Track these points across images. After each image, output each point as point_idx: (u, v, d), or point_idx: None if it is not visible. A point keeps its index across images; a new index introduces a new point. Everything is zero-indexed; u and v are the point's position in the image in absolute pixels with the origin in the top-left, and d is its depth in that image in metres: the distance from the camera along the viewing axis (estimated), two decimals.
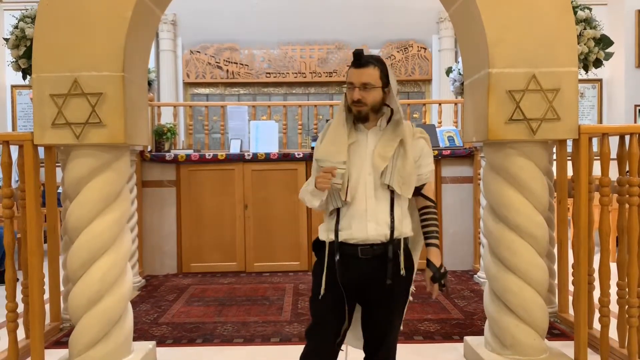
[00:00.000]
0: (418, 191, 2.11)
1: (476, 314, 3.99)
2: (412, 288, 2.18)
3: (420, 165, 2.10)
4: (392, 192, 2.01)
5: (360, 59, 2.01)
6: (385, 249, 1.99)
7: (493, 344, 2.92)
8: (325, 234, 2.06)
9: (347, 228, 2.00)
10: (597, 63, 3.79)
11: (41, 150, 2.93)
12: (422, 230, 2.13)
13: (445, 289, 2.08)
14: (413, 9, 8.85)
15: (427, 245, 2.10)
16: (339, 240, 2.00)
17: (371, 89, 2.00)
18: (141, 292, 4.82)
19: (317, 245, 2.11)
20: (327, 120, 2.18)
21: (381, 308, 2.04)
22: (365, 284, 2.03)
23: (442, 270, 2.05)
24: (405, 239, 2.06)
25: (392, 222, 2.00)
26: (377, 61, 2.04)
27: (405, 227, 2.05)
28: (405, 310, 2.18)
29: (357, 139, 2.06)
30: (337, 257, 2.00)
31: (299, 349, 2.10)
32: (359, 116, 2.04)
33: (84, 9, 2.72)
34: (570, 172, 3.11)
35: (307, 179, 2.20)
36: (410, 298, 2.18)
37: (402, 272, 2.00)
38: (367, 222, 1.99)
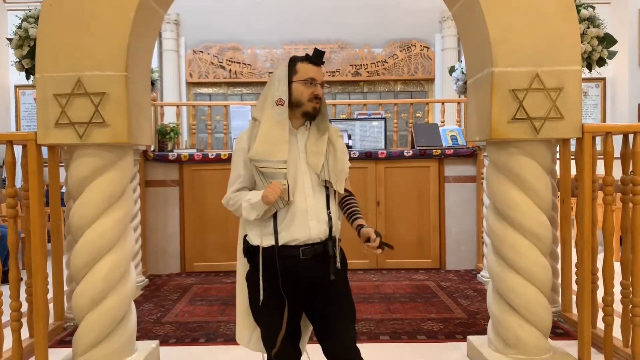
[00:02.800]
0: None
1: (479, 314, 3.99)
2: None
3: (344, 162, 2.13)
4: (327, 189, 2.03)
5: (321, 58, 2.05)
6: (325, 247, 2.00)
7: (496, 344, 2.92)
8: (259, 238, 2.01)
9: (288, 229, 1.97)
10: (601, 62, 3.77)
11: (45, 150, 2.93)
12: (346, 214, 2.12)
13: (387, 246, 1.98)
14: (416, 8, 8.84)
15: (356, 220, 2.07)
16: (280, 243, 1.97)
17: (322, 87, 2.07)
18: (144, 292, 4.83)
19: (251, 251, 2.05)
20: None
21: (332, 304, 2.02)
22: (309, 285, 2.01)
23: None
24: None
25: (330, 218, 2.02)
26: None
27: (339, 223, 2.09)
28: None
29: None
30: (278, 263, 1.96)
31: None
32: (314, 112, 2.05)
33: (87, 9, 2.73)
34: (573, 171, 3.10)
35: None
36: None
37: (338, 265, 2.01)
38: (309, 221, 1.98)
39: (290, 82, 2.04)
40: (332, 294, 2.03)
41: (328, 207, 2.03)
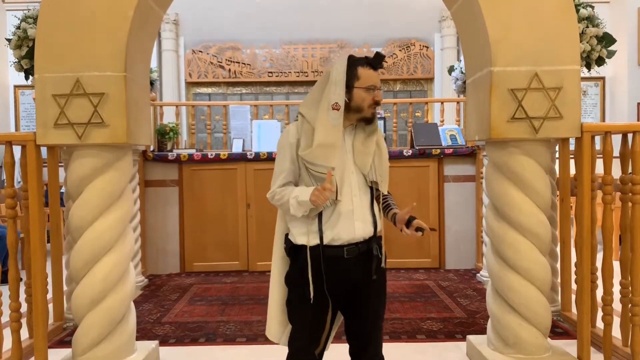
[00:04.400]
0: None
1: (479, 313, 3.99)
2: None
3: (387, 163, 2.14)
4: (371, 189, 2.03)
5: (381, 62, 2.02)
6: (369, 246, 2.00)
7: (496, 343, 2.92)
8: (304, 237, 2.00)
9: (332, 228, 1.97)
10: (600, 61, 3.77)
11: (44, 150, 2.93)
12: (387, 210, 2.11)
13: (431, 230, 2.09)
14: (415, 8, 8.85)
15: (392, 213, 2.08)
16: (325, 242, 1.97)
17: None
18: (144, 292, 4.82)
19: (295, 250, 2.04)
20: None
21: (369, 305, 2.04)
22: (351, 285, 2.02)
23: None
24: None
25: (374, 218, 2.02)
26: None
27: (381, 223, 2.08)
28: None
29: None
30: (322, 262, 1.95)
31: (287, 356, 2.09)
32: (372, 118, 2.04)
33: (85, 9, 2.73)
34: (573, 171, 3.10)
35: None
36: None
37: (384, 265, 2.04)
38: (354, 221, 1.98)
39: (350, 86, 1.99)
40: (372, 295, 2.04)
41: (372, 207, 2.04)
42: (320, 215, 1.97)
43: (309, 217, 1.98)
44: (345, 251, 1.97)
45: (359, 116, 2.03)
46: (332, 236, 1.96)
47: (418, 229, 1.96)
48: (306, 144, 1.97)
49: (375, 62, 2.01)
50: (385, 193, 2.11)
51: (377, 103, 2.01)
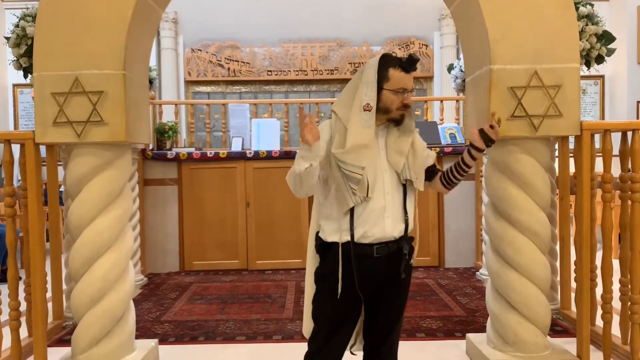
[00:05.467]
0: (432, 171, 2.17)
1: (478, 311, 3.99)
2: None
3: (428, 156, 2.14)
4: (404, 187, 2.02)
5: (414, 65, 2.01)
6: (399, 245, 2.00)
7: (495, 341, 2.92)
8: (336, 234, 1.99)
9: (363, 226, 1.97)
10: (599, 59, 3.77)
11: (43, 148, 2.93)
12: (452, 167, 2.16)
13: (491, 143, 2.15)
14: (414, 6, 8.84)
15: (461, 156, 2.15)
16: (355, 239, 1.97)
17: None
18: (143, 290, 4.82)
19: (325, 247, 2.05)
20: (329, 117, 2.13)
21: (393, 304, 2.06)
22: (380, 283, 2.02)
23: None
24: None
25: (406, 217, 2.02)
26: None
27: (415, 221, 2.08)
28: None
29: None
30: (353, 260, 1.96)
31: (302, 346, 2.09)
32: (401, 119, 2.04)
33: (84, 7, 2.72)
34: (572, 169, 3.10)
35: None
36: None
37: (412, 262, 2.05)
38: (385, 219, 1.98)
39: (380, 87, 1.98)
40: (396, 293, 2.06)
41: (405, 206, 2.03)
42: (352, 212, 1.97)
43: (342, 216, 1.98)
44: (375, 250, 1.97)
45: (387, 117, 2.03)
46: (362, 233, 1.97)
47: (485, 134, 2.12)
48: (339, 142, 1.98)
49: (408, 65, 1.99)
50: (422, 189, 2.08)
51: (406, 106, 2.00)
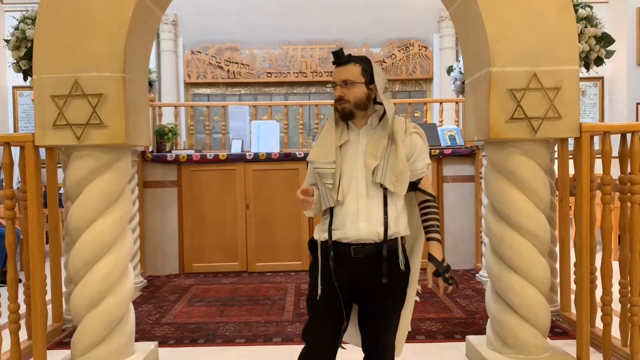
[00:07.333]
0: (415, 186, 2.09)
1: (478, 313, 3.99)
2: (418, 288, 2.17)
3: (415, 160, 2.08)
4: (386, 190, 1.99)
5: (339, 58, 2.04)
6: (379, 249, 1.98)
7: (495, 343, 2.92)
8: (318, 233, 2.07)
9: (341, 227, 2.00)
10: (599, 61, 3.78)
11: (42, 151, 2.93)
12: (423, 225, 2.10)
13: (453, 283, 2.01)
14: (414, 8, 8.84)
15: (428, 239, 2.07)
16: (333, 239, 2.00)
17: (352, 86, 2.02)
18: (143, 293, 4.82)
19: (312, 245, 2.11)
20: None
21: (377, 307, 2.03)
22: (360, 283, 2.02)
23: (445, 264, 2.01)
24: (402, 237, 2.05)
25: (386, 220, 1.99)
26: (360, 59, 2.06)
27: (401, 226, 2.03)
28: (410, 311, 2.18)
29: (349, 138, 2.06)
30: (331, 257, 1.99)
31: (301, 348, 2.10)
32: (344, 113, 2.04)
33: (84, 10, 2.72)
34: (572, 171, 3.11)
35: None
36: (417, 299, 2.19)
37: (402, 267, 2.01)
38: (359, 222, 1.98)
39: None
40: (382, 299, 2.02)
41: (385, 208, 2.00)
42: (331, 214, 2.02)
43: (324, 216, 2.06)
44: (352, 250, 1.98)
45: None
46: (339, 235, 2.00)
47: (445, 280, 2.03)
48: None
49: (334, 59, 2.05)
50: (401, 194, 2.02)
51: (339, 99, 2.02)
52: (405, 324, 2.19)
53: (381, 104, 2.07)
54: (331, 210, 2.02)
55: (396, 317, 2.09)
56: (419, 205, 2.13)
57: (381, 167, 1.98)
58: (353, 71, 2.03)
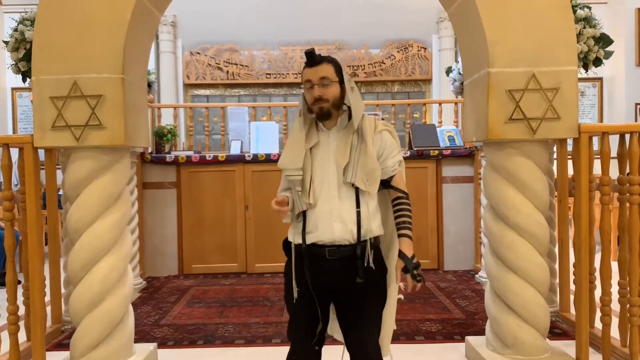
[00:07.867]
0: (387, 184, 2.07)
1: (477, 314, 3.99)
2: (401, 285, 2.11)
3: (386, 158, 2.07)
4: (357, 189, 1.98)
5: (313, 57, 2.02)
6: (354, 250, 1.97)
7: (494, 344, 2.92)
8: (292, 236, 2.06)
9: (314, 230, 1.99)
10: (597, 62, 3.78)
11: (41, 152, 2.93)
12: (395, 222, 2.07)
13: (421, 280, 1.98)
14: (413, 9, 8.85)
15: (399, 236, 2.04)
16: (307, 242, 1.99)
17: (329, 84, 2.00)
18: (142, 294, 4.82)
19: (286, 246, 2.10)
20: None
21: (354, 308, 2.02)
22: (336, 285, 2.01)
23: (415, 261, 1.98)
24: (376, 237, 2.04)
25: (359, 220, 1.98)
26: (330, 59, 2.06)
27: (374, 225, 2.02)
28: (393, 309, 2.16)
29: (319, 140, 2.05)
30: (306, 260, 1.99)
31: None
32: (321, 113, 2.02)
33: (83, 11, 2.72)
34: (570, 171, 3.11)
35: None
36: (401, 297, 2.17)
37: (371, 264, 1.97)
38: (333, 223, 1.97)
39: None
40: (357, 298, 2.01)
41: (358, 209, 1.98)
42: (304, 217, 2.01)
43: (298, 219, 2.05)
44: (327, 252, 1.98)
45: (314, 115, 2.06)
46: (313, 237, 1.99)
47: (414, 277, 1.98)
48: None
49: (309, 59, 2.03)
50: (372, 192, 2.00)
51: (318, 99, 1.99)
52: (389, 323, 2.16)
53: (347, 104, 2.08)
54: (304, 213, 2.01)
55: (376, 316, 2.07)
56: (392, 202, 2.10)
57: (352, 166, 1.97)
58: (328, 70, 2.02)
